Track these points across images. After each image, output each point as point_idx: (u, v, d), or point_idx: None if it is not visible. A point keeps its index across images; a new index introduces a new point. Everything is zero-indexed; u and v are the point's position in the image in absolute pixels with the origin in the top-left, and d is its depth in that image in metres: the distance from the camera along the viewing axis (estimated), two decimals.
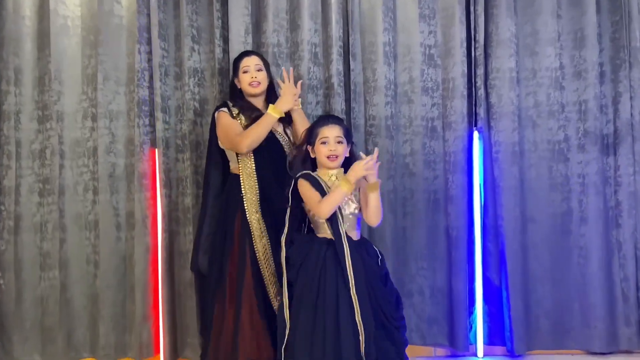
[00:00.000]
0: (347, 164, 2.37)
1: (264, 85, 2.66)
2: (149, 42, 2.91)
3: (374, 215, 2.34)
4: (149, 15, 2.90)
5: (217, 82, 2.92)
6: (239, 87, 2.67)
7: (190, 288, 2.90)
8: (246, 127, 2.57)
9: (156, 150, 2.90)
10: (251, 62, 2.64)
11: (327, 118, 2.43)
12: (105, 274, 2.91)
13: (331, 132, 2.35)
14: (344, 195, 2.28)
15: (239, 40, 2.91)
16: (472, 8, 2.97)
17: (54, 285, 2.92)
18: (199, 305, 2.83)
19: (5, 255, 2.90)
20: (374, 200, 2.32)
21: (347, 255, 2.27)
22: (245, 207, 2.54)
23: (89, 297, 2.94)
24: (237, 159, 2.58)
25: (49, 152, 2.92)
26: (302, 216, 2.42)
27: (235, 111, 2.62)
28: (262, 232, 2.53)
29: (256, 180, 2.55)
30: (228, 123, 2.59)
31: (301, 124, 2.60)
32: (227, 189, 2.63)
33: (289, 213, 2.38)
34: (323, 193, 2.31)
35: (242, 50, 2.89)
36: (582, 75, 2.98)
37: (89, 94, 2.95)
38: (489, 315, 3.02)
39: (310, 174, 2.36)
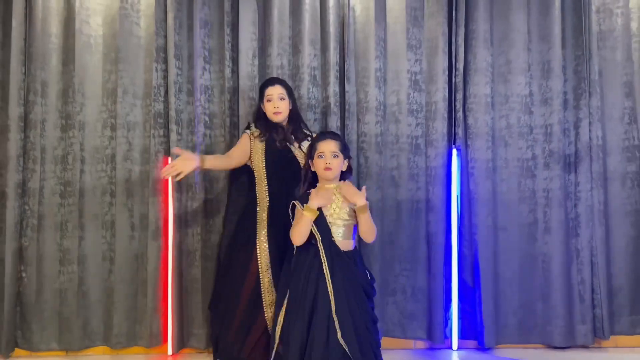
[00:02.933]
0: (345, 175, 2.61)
1: (285, 113, 2.88)
2: (165, 61, 3.17)
3: (366, 235, 2.49)
4: (165, 36, 3.18)
5: (225, 98, 3.20)
6: (263, 112, 2.91)
7: (196, 283, 3.16)
8: (265, 150, 2.84)
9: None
10: (274, 92, 2.86)
11: (325, 134, 2.61)
12: (119, 269, 3.14)
13: (327, 147, 2.50)
14: (309, 221, 2.40)
15: (247, 62, 3.21)
16: (453, 39, 3.28)
17: (72, 279, 3.15)
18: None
19: (28, 250, 3.12)
20: (364, 221, 2.45)
21: (324, 261, 2.39)
22: (257, 224, 2.78)
23: (104, 290, 3.16)
24: (254, 175, 2.88)
25: (70, 158, 3.16)
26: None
27: (255, 132, 2.91)
28: (266, 251, 2.75)
29: (268, 201, 2.80)
30: (239, 144, 2.90)
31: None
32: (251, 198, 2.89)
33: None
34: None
35: (249, 71, 3.19)
36: (548, 102, 3.32)
37: (108, 106, 3.19)
38: (463, 313, 3.26)
39: (307, 196, 2.48)
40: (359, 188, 2.59)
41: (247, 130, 2.95)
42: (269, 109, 2.89)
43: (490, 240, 3.27)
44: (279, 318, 2.49)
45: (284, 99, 2.88)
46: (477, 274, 3.26)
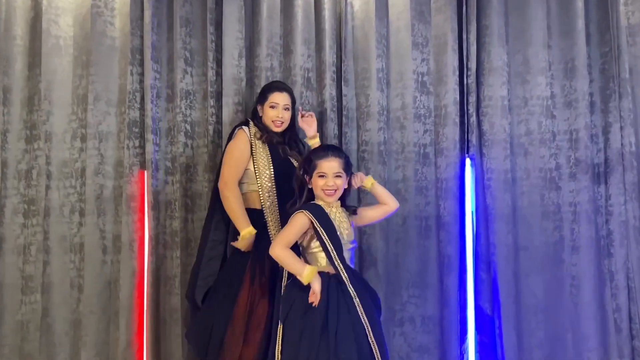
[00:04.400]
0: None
1: (286, 125, 2.65)
2: (142, 63, 2.89)
3: (390, 199, 2.43)
4: (142, 37, 2.89)
5: (209, 104, 2.90)
6: (260, 115, 2.64)
7: (176, 314, 2.83)
8: (271, 154, 2.56)
9: (145, 172, 2.85)
10: (281, 100, 2.61)
11: (327, 150, 2.33)
12: (89, 298, 2.82)
13: (330, 168, 2.27)
14: (294, 272, 2.23)
15: (232, 63, 2.90)
16: (464, 37, 2.99)
17: (35, 310, 2.82)
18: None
19: None
20: (381, 190, 2.43)
21: (350, 286, 2.23)
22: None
23: (72, 322, 2.84)
24: (259, 193, 2.54)
25: (35, 173, 2.86)
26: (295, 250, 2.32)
27: (253, 130, 2.59)
28: None
29: (279, 217, 2.51)
30: (238, 154, 2.54)
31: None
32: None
33: None
34: (329, 226, 2.25)
35: (235, 73, 2.90)
36: (572, 105, 3.00)
37: (78, 114, 2.90)
38: (481, 345, 2.96)
39: (317, 207, 2.28)
40: (359, 204, 2.50)
41: (244, 127, 2.61)
42: (271, 116, 2.61)
43: (511, 262, 2.95)
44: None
45: (288, 110, 2.65)
46: (496, 301, 2.93)
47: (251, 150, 2.56)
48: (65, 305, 2.84)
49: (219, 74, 2.93)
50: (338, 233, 2.26)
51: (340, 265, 2.24)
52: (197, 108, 2.95)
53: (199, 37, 2.96)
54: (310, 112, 2.73)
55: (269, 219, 2.51)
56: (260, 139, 2.58)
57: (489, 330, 2.94)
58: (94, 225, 2.85)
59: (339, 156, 2.31)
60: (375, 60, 2.98)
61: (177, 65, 2.90)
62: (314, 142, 2.64)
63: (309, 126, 2.68)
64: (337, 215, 2.31)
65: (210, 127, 2.90)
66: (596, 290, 2.92)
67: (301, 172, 2.34)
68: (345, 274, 2.23)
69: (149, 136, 2.84)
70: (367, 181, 2.42)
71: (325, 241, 2.23)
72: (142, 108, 2.88)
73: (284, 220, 2.42)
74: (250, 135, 2.58)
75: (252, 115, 2.70)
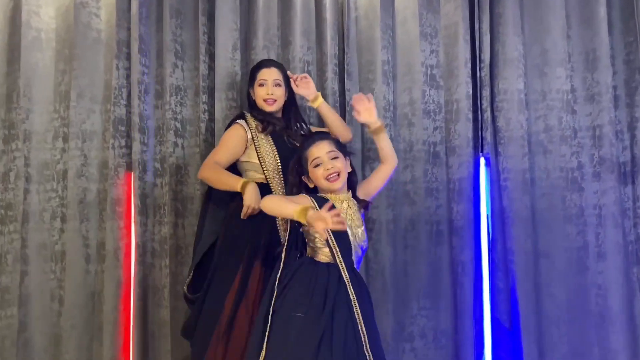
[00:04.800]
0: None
1: (280, 103, 2.45)
2: (128, 57, 2.70)
3: (391, 157, 2.20)
4: (129, 29, 2.70)
5: (201, 100, 2.71)
6: (252, 99, 2.46)
7: (165, 328, 2.62)
8: (275, 143, 2.38)
9: (132, 174, 2.65)
10: (269, 76, 2.43)
11: (310, 138, 2.15)
12: (70, 311, 2.60)
13: (321, 150, 2.07)
14: (290, 213, 1.95)
15: (226, 56, 2.71)
16: (476, 26, 2.80)
17: (11, 325, 2.59)
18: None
19: None
20: (387, 142, 2.19)
21: (349, 285, 1.99)
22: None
23: (52, 337, 2.61)
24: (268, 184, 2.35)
25: (13, 175, 2.64)
26: (302, 242, 2.11)
27: (253, 124, 2.40)
28: None
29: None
30: (227, 139, 2.39)
31: (333, 119, 2.45)
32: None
33: (288, 238, 2.09)
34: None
35: (229, 67, 2.72)
36: (595, 99, 2.78)
37: (60, 112, 2.71)
38: None
39: (323, 199, 2.04)
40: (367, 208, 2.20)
41: (240, 121, 2.43)
42: (260, 94, 2.43)
43: (530, 270, 2.72)
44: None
45: (279, 85, 2.45)
46: (515, 313, 2.70)
47: (254, 143, 2.38)
48: (45, 319, 2.62)
49: (211, 68, 2.74)
50: (349, 232, 2.03)
51: (343, 264, 2.00)
52: (188, 105, 2.76)
53: (190, 29, 2.77)
54: (303, 74, 2.52)
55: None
56: (262, 131, 2.39)
57: (507, 344, 2.71)
58: (77, 231, 2.64)
59: (325, 138, 2.12)
60: (381, 52, 2.78)
61: (167, 59, 2.71)
62: (318, 103, 2.46)
63: (306, 89, 2.48)
64: (348, 211, 2.07)
65: (203, 125, 2.70)
66: (625, 301, 2.69)
67: (296, 177, 2.13)
68: (347, 275, 2.00)
69: (136, 135, 2.64)
70: (375, 126, 2.16)
71: (329, 237, 1.98)
72: (128, 105, 2.69)
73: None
74: (249, 128, 2.39)
75: (248, 105, 2.52)
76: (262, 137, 2.39)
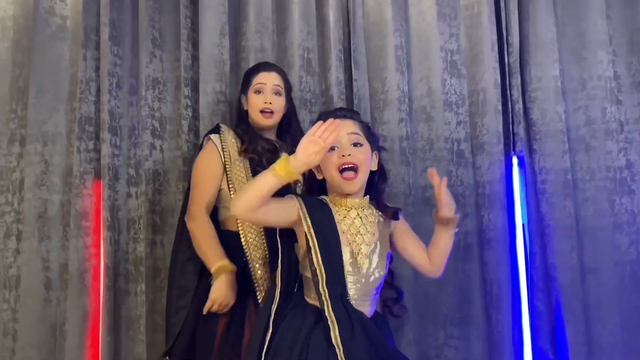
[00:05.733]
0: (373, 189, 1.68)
1: (278, 116, 2.05)
2: (97, 46, 2.34)
3: (442, 259, 1.70)
4: (98, 14, 2.35)
5: (183, 95, 2.33)
6: (245, 108, 2.06)
7: None
8: (252, 169, 1.93)
9: (101, 182, 2.28)
10: (268, 80, 2.03)
11: (332, 112, 1.67)
12: (26, 349, 2.20)
13: (341, 129, 1.54)
14: (274, 182, 1.45)
15: (213, 42, 2.35)
16: (502, 4, 2.49)
17: None
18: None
19: None
20: (447, 242, 1.67)
21: (333, 326, 1.47)
22: (251, 267, 1.87)
23: None
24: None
25: None
26: (295, 270, 1.66)
27: (229, 140, 1.98)
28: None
29: (264, 236, 1.88)
30: (202, 172, 1.97)
31: None
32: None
33: (280, 267, 1.63)
34: (327, 223, 1.56)
35: (216, 54, 2.35)
36: None
37: (17, 112, 2.34)
38: None
39: (317, 200, 1.62)
40: None
41: (214, 136, 2.02)
42: (256, 103, 2.02)
43: (577, 289, 2.36)
44: None
45: (279, 94, 2.05)
46: (560, 340, 2.34)
47: (225, 167, 1.96)
48: None
49: (195, 58, 2.38)
50: (347, 246, 1.56)
51: (327, 293, 1.49)
52: (168, 100, 2.39)
53: (169, 13, 2.42)
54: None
55: (248, 239, 1.89)
56: (241, 153, 1.97)
57: None
58: (35, 252, 2.25)
59: (351, 117, 1.63)
60: (393, 36, 2.45)
61: (143, 48, 2.35)
62: None
63: None
64: (355, 222, 1.60)
65: (185, 123, 2.32)
66: None
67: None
68: (333, 315, 1.47)
69: (106, 136, 2.27)
70: (448, 215, 1.66)
71: (312, 247, 1.51)
72: (97, 102, 2.33)
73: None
74: (223, 148, 1.98)
75: (237, 118, 2.12)
76: (238, 157, 1.96)
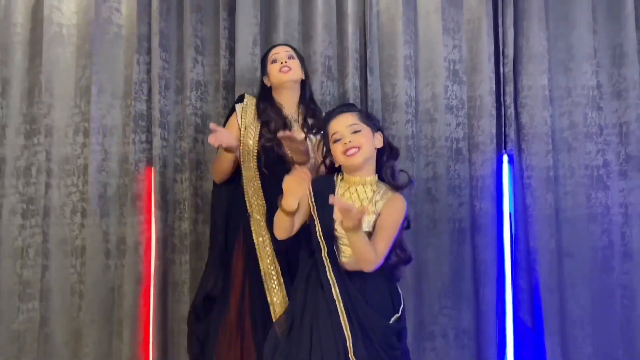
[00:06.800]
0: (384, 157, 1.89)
1: (296, 73, 2.26)
2: (149, 52, 2.68)
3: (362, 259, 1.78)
4: (149, 24, 2.68)
5: (221, 96, 2.67)
6: (268, 85, 2.33)
7: (184, 324, 2.55)
8: (259, 134, 2.21)
9: (152, 169, 2.63)
10: (281, 50, 2.31)
11: (332, 111, 1.92)
12: (90, 306, 2.59)
13: (341, 124, 1.81)
14: (283, 216, 1.76)
15: (246, 51, 2.67)
16: (500, 21, 2.73)
17: (33, 319, 2.59)
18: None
19: None
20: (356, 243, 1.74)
21: (333, 283, 1.77)
22: (252, 229, 2.19)
23: (72, 332, 2.61)
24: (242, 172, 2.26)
25: (34, 170, 2.64)
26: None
27: (249, 105, 2.27)
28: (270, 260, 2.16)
29: (263, 198, 2.20)
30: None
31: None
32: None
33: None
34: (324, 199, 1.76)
35: (249, 62, 2.67)
36: (622, 95, 2.71)
37: (81, 107, 2.69)
38: None
39: (325, 178, 1.88)
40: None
41: (237, 105, 2.34)
42: (274, 68, 2.27)
43: (554, 269, 2.66)
44: None
45: (293, 58, 2.30)
46: (538, 313, 2.64)
47: (239, 127, 2.25)
48: (65, 313, 2.61)
49: (232, 63, 2.70)
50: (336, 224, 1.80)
51: (327, 259, 1.78)
52: (209, 100, 2.72)
53: (210, 24, 2.73)
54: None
55: (251, 200, 2.20)
56: (256, 116, 2.24)
57: (531, 344, 2.65)
58: (97, 226, 2.62)
59: (350, 110, 1.87)
60: (403, 46, 2.71)
61: (187, 54, 2.68)
62: None
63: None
64: (353, 195, 1.83)
65: (223, 121, 2.62)
66: None
67: (323, 156, 1.93)
68: (333, 275, 1.76)
69: (157, 130, 2.62)
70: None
71: (315, 219, 1.80)
72: (149, 100, 2.67)
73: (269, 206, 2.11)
74: (239, 113, 2.29)
75: (259, 94, 2.39)
76: (252, 122, 2.25)
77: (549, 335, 2.59)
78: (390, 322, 1.85)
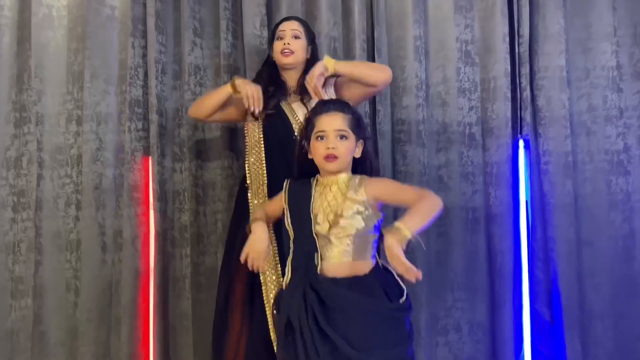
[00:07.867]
0: (360, 168, 1.82)
1: (298, 56, 2.20)
2: (144, 35, 2.55)
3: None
4: (144, 4, 2.55)
5: (222, 81, 2.53)
6: (273, 58, 2.25)
7: (186, 320, 2.49)
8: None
9: (150, 158, 2.52)
10: (287, 27, 2.21)
11: (327, 103, 1.83)
12: (86, 303, 2.49)
13: (330, 124, 1.73)
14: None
15: (254, 33, 2.53)
16: None
17: (26, 317, 2.48)
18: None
19: None
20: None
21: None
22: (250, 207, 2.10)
23: (68, 330, 2.50)
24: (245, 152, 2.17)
25: (25, 160, 2.52)
26: None
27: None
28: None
29: (265, 177, 2.12)
30: None
31: (359, 72, 2.12)
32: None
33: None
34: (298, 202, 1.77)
35: (257, 44, 2.53)
36: None
37: (74, 94, 2.57)
38: (538, 356, 2.57)
39: (302, 182, 1.82)
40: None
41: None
42: (277, 48, 2.21)
43: (573, 260, 2.56)
44: None
45: (298, 38, 2.22)
46: (556, 305, 2.54)
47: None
48: (60, 311, 2.50)
49: (234, 46, 2.57)
50: (311, 211, 1.74)
51: (289, 267, 1.75)
52: (209, 85, 2.60)
53: (209, 4, 2.61)
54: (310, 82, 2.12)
55: (253, 185, 2.12)
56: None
57: (548, 338, 2.55)
58: (92, 219, 2.51)
59: (342, 110, 1.76)
60: (412, 27, 2.59)
61: (185, 37, 2.55)
62: (332, 67, 2.08)
63: (319, 81, 2.08)
64: (329, 196, 1.76)
65: None
66: None
67: (302, 139, 1.82)
68: (290, 266, 1.74)
69: (154, 117, 2.49)
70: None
71: (287, 222, 1.78)
72: (145, 86, 2.55)
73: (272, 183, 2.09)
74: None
75: (264, 66, 2.31)
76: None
77: (568, 328, 2.50)
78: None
